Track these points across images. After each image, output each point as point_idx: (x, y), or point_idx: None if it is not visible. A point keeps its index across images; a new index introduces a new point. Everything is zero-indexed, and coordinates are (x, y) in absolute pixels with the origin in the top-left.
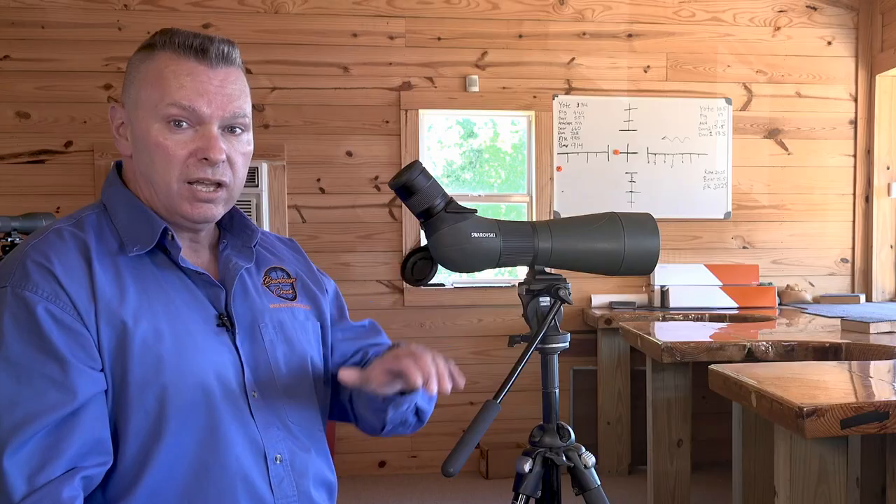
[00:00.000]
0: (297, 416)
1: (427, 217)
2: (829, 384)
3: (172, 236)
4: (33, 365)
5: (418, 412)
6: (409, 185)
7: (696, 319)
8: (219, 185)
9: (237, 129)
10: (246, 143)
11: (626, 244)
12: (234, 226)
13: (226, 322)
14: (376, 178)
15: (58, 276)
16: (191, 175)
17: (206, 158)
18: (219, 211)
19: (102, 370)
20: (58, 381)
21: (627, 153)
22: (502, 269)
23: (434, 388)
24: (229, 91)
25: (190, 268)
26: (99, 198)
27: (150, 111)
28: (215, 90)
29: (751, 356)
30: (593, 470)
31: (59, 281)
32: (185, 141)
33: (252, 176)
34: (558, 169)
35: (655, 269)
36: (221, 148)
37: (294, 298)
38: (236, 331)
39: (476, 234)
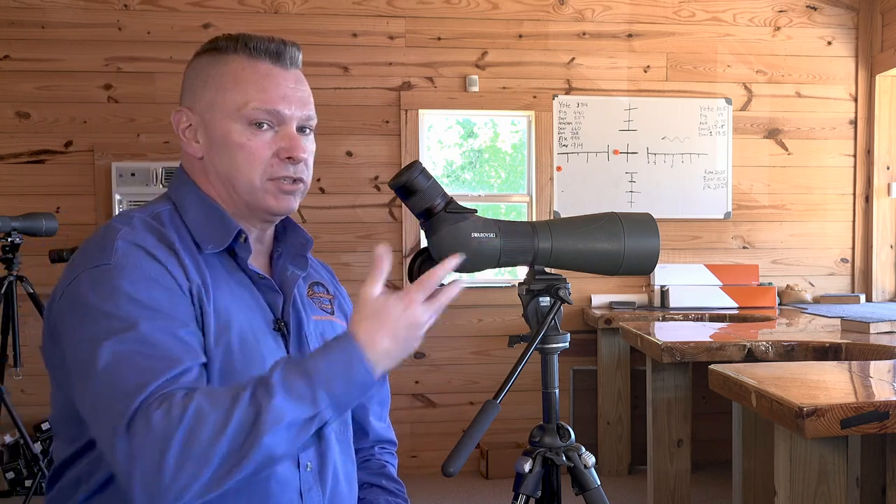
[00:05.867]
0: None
1: (427, 217)
2: (829, 384)
3: (245, 238)
4: (161, 325)
5: None
6: (409, 185)
7: (696, 319)
8: (296, 180)
9: (307, 130)
10: (312, 142)
11: (626, 244)
12: (287, 234)
13: (282, 327)
14: (376, 178)
15: (158, 257)
16: (274, 173)
17: (290, 157)
18: (296, 203)
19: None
20: (187, 336)
21: (627, 153)
22: (502, 269)
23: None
24: (301, 94)
25: (255, 271)
26: (161, 194)
27: (230, 113)
28: (292, 92)
29: (751, 356)
30: (593, 470)
31: (160, 260)
32: (268, 141)
33: None
34: (558, 169)
35: (655, 269)
36: (305, 147)
37: (333, 314)
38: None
39: (476, 234)
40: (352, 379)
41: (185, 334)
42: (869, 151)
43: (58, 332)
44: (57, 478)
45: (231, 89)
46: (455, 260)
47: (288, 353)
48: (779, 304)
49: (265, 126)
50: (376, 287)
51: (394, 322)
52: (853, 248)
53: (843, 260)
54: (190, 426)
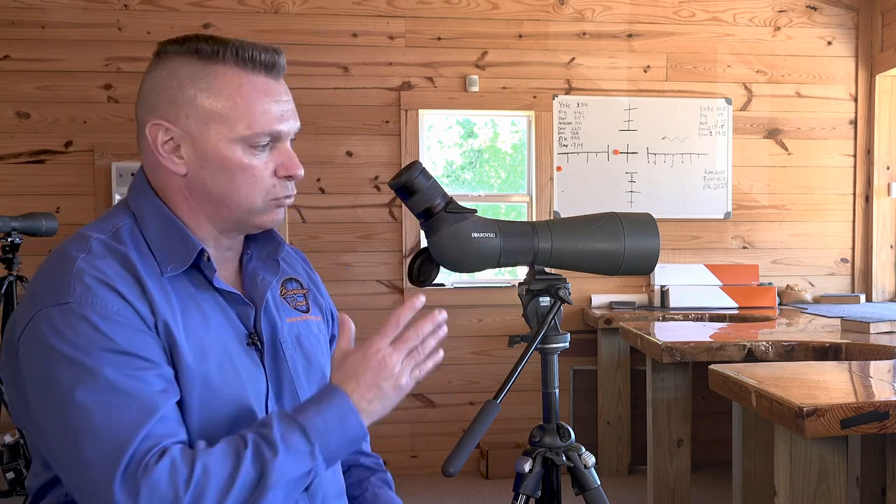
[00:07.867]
0: None
1: (427, 217)
2: (829, 384)
3: (208, 258)
4: (128, 370)
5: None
6: (409, 185)
7: (696, 319)
8: (291, 195)
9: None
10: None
11: (626, 244)
12: (258, 235)
13: (256, 341)
14: (376, 178)
15: (120, 291)
16: (277, 194)
17: (289, 176)
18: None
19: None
20: (157, 377)
21: (627, 153)
22: (502, 269)
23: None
24: (293, 106)
25: (224, 289)
26: (120, 202)
27: (229, 131)
28: (287, 107)
29: (751, 356)
30: (593, 470)
31: (122, 295)
32: (267, 160)
33: None
34: (558, 169)
35: (655, 269)
36: (299, 164)
37: (308, 311)
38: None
39: (476, 234)
40: (346, 434)
41: (154, 376)
42: (869, 151)
43: (21, 381)
44: (39, 498)
45: (230, 108)
46: (419, 300)
47: (264, 367)
48: (779, 304)
49: (266, 146)
50: (381, 340)
51: (374, 376)
52: (853, 248)
53: (843, 260)
54: (198, 487)
